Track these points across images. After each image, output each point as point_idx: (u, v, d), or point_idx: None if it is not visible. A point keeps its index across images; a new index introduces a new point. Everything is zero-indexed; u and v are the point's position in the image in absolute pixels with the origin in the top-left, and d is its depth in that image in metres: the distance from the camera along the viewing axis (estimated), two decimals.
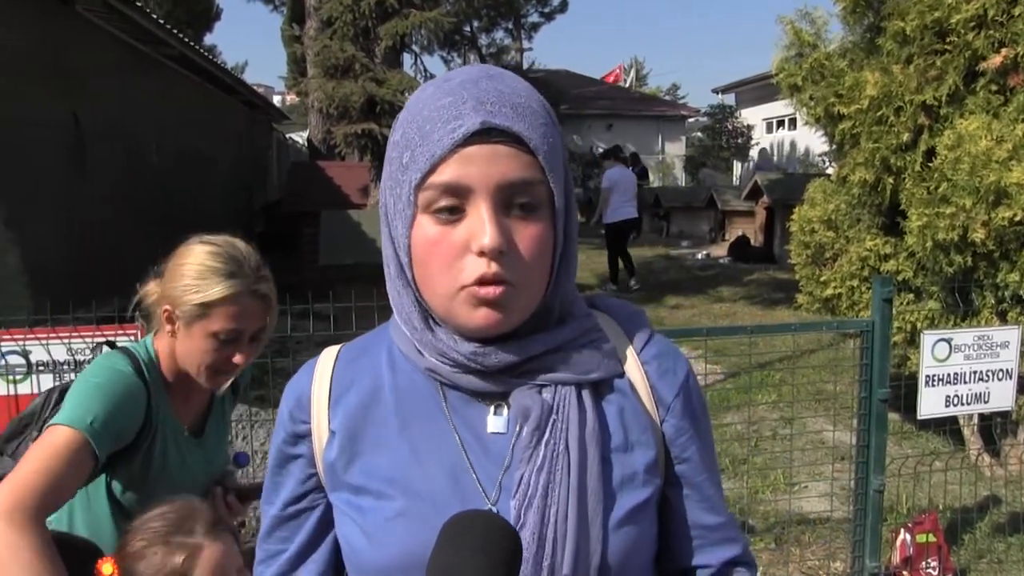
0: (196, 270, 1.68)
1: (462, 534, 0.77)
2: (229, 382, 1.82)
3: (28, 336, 2.61)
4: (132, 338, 2.61)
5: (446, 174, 0.86)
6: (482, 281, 0.87)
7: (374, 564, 0.93)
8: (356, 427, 0.98)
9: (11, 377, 2.61)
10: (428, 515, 0.90)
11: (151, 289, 1.78)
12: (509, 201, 0.88)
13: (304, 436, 1.01)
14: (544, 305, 0.95)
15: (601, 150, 18.53)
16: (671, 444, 1.00)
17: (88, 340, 2.60)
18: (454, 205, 0.87)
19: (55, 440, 1.50)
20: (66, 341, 2.61)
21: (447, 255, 0.88)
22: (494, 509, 0.90)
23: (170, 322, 1.71)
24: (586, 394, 0.95)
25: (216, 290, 1.66)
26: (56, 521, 1.71)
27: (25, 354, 2.60)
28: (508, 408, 0.95)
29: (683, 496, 1.02)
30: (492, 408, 0.96)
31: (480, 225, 0.86)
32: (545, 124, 0.91)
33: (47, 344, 2.61)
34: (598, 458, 0.92)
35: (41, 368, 2.62)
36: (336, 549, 1.03)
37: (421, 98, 0.91)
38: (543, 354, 0.94)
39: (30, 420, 1.81)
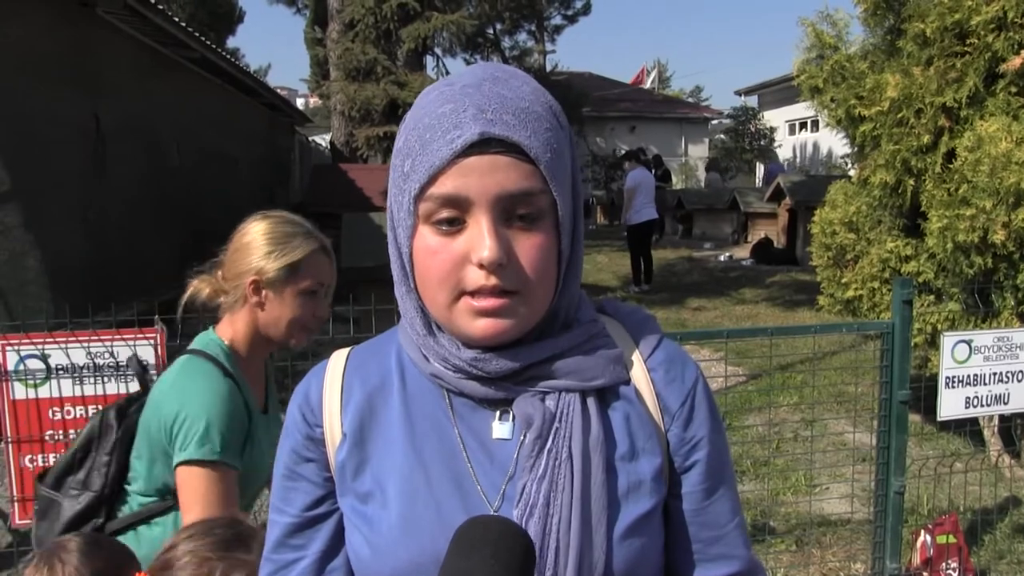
0: (274, 237, 1.80)
1: (474, 540, 0.76)
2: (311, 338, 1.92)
3: (47, 340, 2.63)
4: (151, 342, 2.65)
5: (445, 186, 0.85)
6: (481, 292, 0.87)
7: (380, 574, 0.92)
8: (365, 431, 0.97)
9: (31, 381, 2.63)
10: (432, 524, 0.90)
11: (197, 285, 1.88)
12: (510, 212, 0.87)
13: (318, 440, 0.99)
14: (550, 311, 0.94)
15: (623, 152, 18.52)
16: (674, 453, 0.98)
17: (107, 344, 2.63)
18: (454, 216, 0.86)
19: (198, 483, 1.64)
20: (85, 344, 2.63)
21: (447, 266, 0.87)
22: None
23: (257, 292, 1.80)
24: (591, 401, 0.93)
25: (300, 249, 1.80)
26: (162, 530, 1.78)
27: (44, 357, 2.62)
28: (513, 415, 0.94)
29: (682, 507, 0.99)
30: (497, 414, 0.95)
31: (479, 238, 0.85)
32: (550, 129, 0.89)
33: (66, 347, 2.63)
34: (602, 466, 0.91)
35: (61, 372, 2.64)
36: None
37: (424, 103, 0.90)
38: (546, 360, 0.93)
39: (87, 449, 1.87)
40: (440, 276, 0.88)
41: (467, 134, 0.84)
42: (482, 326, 0.88)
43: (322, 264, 1.84)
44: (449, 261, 0.87)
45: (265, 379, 1.97)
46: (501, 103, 0.86)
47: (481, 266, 0.86)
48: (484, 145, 0.84)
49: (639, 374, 0.99)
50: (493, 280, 0.86)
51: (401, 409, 0.97)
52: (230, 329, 1.84)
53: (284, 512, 1.00)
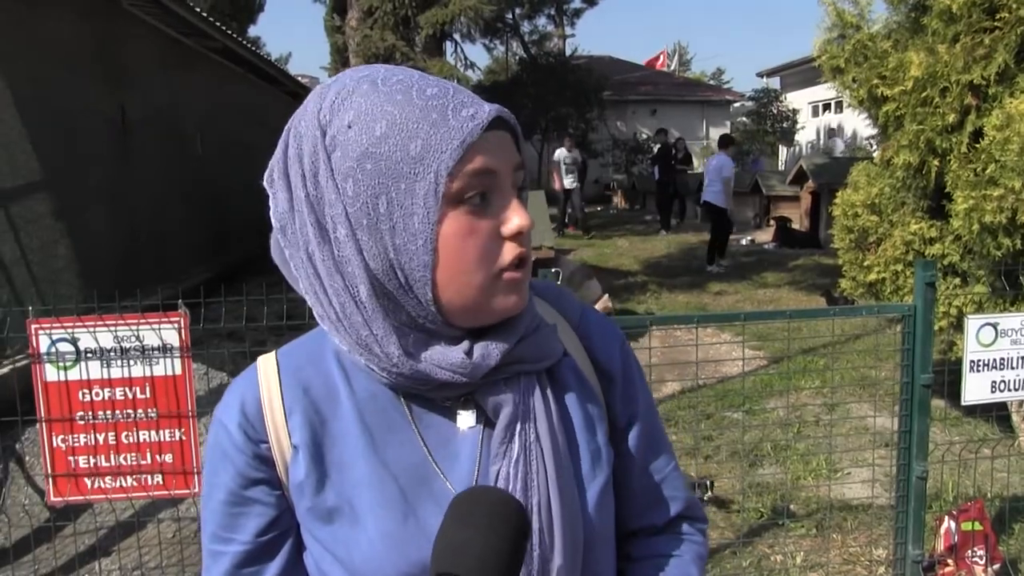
0: None
1: (469, 511, 0.77)
2: None
3: (77, 324, 2.70)
4: (175, 326, 2.70)
5: (477, 161, 0.84)
6: (519, 263, 0.88)
7: None
8: (319, 442, 0.92)
9: (61, 363, 2.71)
10: (415, 534, 0.88)
11: None
12: (513, 184, 0.90)
13: (266, 457, 0.92)
14: None
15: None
16: (616, 415, 1.04)
17: (133, 328, 2.68)
18: (484, 191, 0.86)
19: None
20: (112, 328, 2.69)
21: (485, 243, 0.86)
22: None
23: None
24: (545, 380, 0.95)
25: None
26: None
27: (74, 341, 2.69)
28: (474, 404, 0.94)
29: (627, 462, 1.05)
30: (458, 404, 0.94)
31: (510, 209, 0.87)
32: None
33: (95, 331, 2.69)
34: (566, 443, 0.93)
35: (89, 355, 2.70)
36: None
37: (391, 93, 0.85)
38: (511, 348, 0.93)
39: None
40: (479, 256, 0.86)
41: (486, 110, 0.85)
42: (515, 299, 0.89)
43: None
44: (486, 238, 0.86)
45: None
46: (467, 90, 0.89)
47: (517, 236, 0.87)
48: (497, 122, 0.87)
49: (573, 345, 1.01)
50: (522, 250, 0.88)
51: (355, 417, 0.92)
52: None
53: (232, 541, 0.94)
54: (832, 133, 23.88)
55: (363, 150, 0.83)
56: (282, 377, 0.94)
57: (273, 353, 0.98)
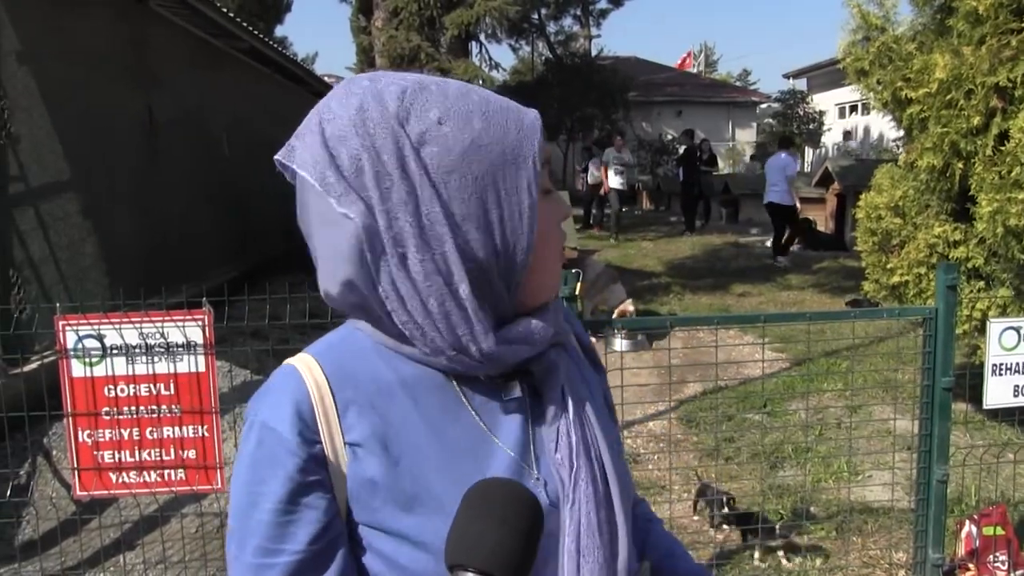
0: None
1: (483, 504, 0.77)
2: None
3: (103, 321, 2.76)
4: (199, 323, 2.74)
5: (546, 152, 0.92)
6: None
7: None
8: (382, 435, 0.89)
9: (88, 359, 2.76)
10: None
11: None
12: None
13: (320, 458, 0.87)
14: None
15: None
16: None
17: (158, 325, 2.73)
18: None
19: None
20: (138, 326, 2.74)
21: (558, 228, 0.96)
22: (541, 480, 0.92)
23: None
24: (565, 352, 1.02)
25: None
26: None
27: (100, 338, 2.75)
28: (517, 376, 0.95)
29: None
30: (504, 379, 0.95)
31: (558, 198, 0.96)
32: None
33: (120, 328, 2.75)
34: (599, 408, 1.01)
35: (115, 351, 2.76)
36: None
37: (463, 93, 0.89)
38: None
39: None
40: (558, 238, 0.96)
41: (532, 112, 0.93)
42: (560, 280, 1.00)
43: None
44: (558, 222, 0.96)
45: None
46: None
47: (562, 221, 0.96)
48: None
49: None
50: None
51: (410, 404, 0.91)
52: None
53: (282, 552, 0.87)
54: (848, 136, 23.69)
55: (467, 144, 0.85)
56: (328, 375, 0.90)
57: (306, 353, 0.94)
